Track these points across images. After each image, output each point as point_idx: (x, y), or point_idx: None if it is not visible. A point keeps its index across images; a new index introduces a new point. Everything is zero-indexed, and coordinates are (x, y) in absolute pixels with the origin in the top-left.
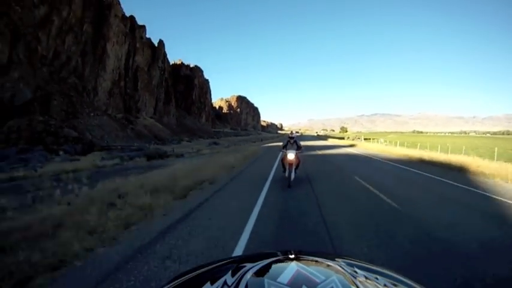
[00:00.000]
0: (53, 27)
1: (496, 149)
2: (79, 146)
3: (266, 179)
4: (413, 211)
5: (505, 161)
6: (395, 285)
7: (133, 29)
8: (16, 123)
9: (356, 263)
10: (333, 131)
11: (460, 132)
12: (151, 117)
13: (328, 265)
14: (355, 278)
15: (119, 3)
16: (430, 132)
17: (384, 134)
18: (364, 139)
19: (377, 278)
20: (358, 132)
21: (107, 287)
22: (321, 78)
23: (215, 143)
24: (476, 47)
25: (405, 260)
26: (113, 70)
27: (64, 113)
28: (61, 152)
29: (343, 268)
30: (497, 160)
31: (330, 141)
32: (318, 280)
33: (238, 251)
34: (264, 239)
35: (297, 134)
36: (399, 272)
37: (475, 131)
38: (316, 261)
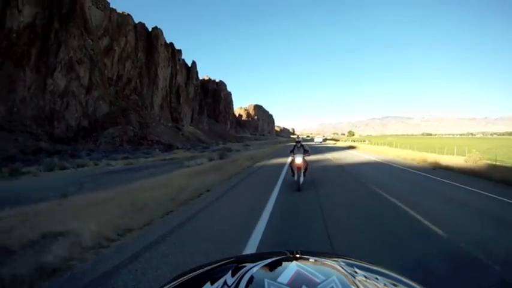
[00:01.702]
0: (115, 55)
1: (466, 148)
2: (162, 146)
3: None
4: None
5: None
6: (395, 285)
7: (173, 53)
8: (115, 130)
9: (356, 263)
10: (344, 134)
11: (468, 134)
12: (190, 125)
13: (328, 265)
14: (355, 278)
15: (162, 34)
16: (438, 135)
17: (390, 136)
18: (353, 141)
19: (377, 278)
20: (367, 135)
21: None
22: (332, 82)
23: (247, 145)
24: (487, 46)
25: None
26: (162, 88)
27: (139, 124)
28: (157, 150)
29: (343, 268)
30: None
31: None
32: (318, 280)
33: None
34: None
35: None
36: (399, 272)
37: (482, 133)
38: (316, 261)
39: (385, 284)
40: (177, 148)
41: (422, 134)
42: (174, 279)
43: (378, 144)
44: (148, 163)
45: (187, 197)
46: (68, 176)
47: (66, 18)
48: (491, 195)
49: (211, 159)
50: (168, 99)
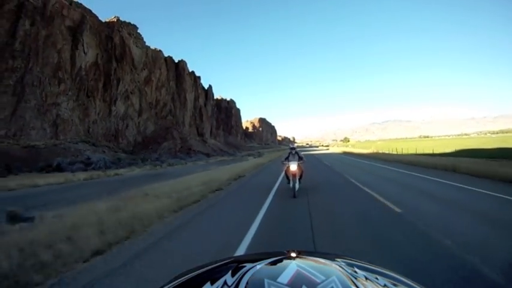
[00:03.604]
0: (153, 84)
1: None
2: (202, 154)
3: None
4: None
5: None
6: (395, 285)
7: (195, 80)
8: (168, 144)
9: (356, 263)
10: (342, 141)
11: (462, 134)
12: (210, 138)
13: (328, 265)
14: (355, 278)
15: (186, 64)
16: (436, 137)
17: (379, 141)
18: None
19: (377, 278)
20: (366, 140)
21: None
22: (331, 89)
23: (259, 153)
24: (482, 45)
25: None
26: (189, 110)
27: (180, 139)
28: (201, 155)
29: (343, 268)
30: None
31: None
32: (318, 280)
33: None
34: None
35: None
36: (399, 272)
37: (478, 132)
38: (316, 261)
39: (385, 284)
40: (213, 155)
41: (420, 137)
42: (174, 279)
43: (356, 147)
44: (210, 163)
45: (265, 161)
46: (177, 168)
47: (120, 58)
48: (366, 161)
49: (254, 157)
50: (194, 118)
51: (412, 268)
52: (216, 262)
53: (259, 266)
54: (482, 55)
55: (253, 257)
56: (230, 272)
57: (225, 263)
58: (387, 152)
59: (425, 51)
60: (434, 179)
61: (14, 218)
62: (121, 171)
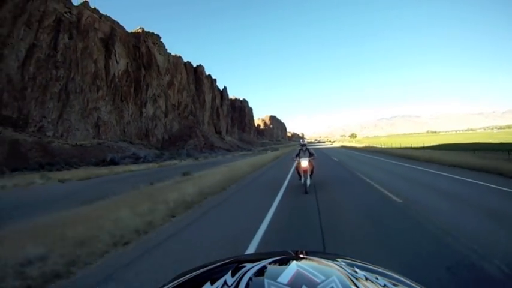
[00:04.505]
0: (175, 88)
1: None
2: (224, 150)
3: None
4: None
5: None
6: (395, 285)
7: (211, 82)
8: (194, 141)
9: (356, 263)
10: (350, 137)
11: (468, 129)
12: (227, 136)
13: (328, 265)
14: (355, 278)
15: (204, 68)
16: (443, 132)
17: (383, 137)
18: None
19: (377, 278)
20: (375, 136)
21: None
22: (340, 85)
23: (273, 148)
24: (493, 40)
25: None
26: (207, 110)
27: (202, 137)
28: (222, 151)
29: (343, 268)
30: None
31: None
32: (318, 280)
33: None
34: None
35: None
36: (399, 272)
37: (484, 127)
38: (316, 261)
39: (385, 284)
40: (232, 151)
41: (428, 132)
42: (174, 279)
43: (361, 142)
44: (236, 156)
45: (283, 152)
46: (206, 160)
47: (148, 66)
48: (360, 153)
49: (271, 151)
50: (212, 117)
51: (367, 203)
52: (216, 262)
53: (259, 266)
54: (491, 51)
55: (253, 257)
56: (230, 272)
57: (225, 263)
58: (377, 145)
59: (435, 47)
60: (390, 161)
61: (185, 174)
62: (173, 162)
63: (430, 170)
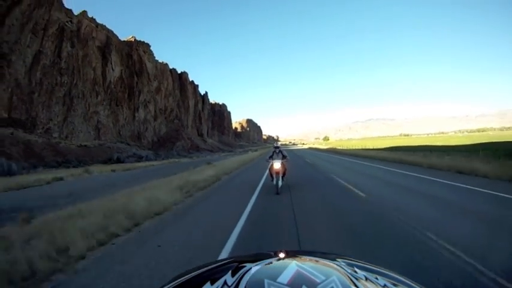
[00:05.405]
0: (162, 93)
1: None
2: (208, 151)
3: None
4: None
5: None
6: (395, 285)
7: (194, 88)
8: (181, 143)
9: (356, 263)
10: (323, 139)
11: (439, 133)
12: (208, 138)
13: (328, 265)
14: (355, 278)
15: (188, 75)
16: (415, 135)
17: (355, 140)
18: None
19: (377, 278)
20: (348, 139)
21: None
22: (315, 88)
23: (251, 149)
24: (467, 41)
25: None
26: (191, 114)
27: (188, 139)
28: (206, 152)
29: (343, 268)
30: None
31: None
32: (318, 280)
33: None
34: None
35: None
36: (399, 272)
37: (455, 131)
38: (316, 261)
39: (385, 284)
40: (215, 152)
41: (400, 135)
42: (174, 279)
43: (331, 145)
44: (222, 156)
45: (258, 155)
46: (198, 158)
47: (139, 73)
48: (316, 152)
49: (252, 151)
50: (195, 121)
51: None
52: (216, 262)
53: (259, 266)
54: (468, 53)
55: (253, 257)
56: (230, 272)
57: (225, 263)
58: (339, 147)
59: (412, 48)
60: (342, 158)
61: (208, 163)
62: (174, 160)
63: (353, 160)
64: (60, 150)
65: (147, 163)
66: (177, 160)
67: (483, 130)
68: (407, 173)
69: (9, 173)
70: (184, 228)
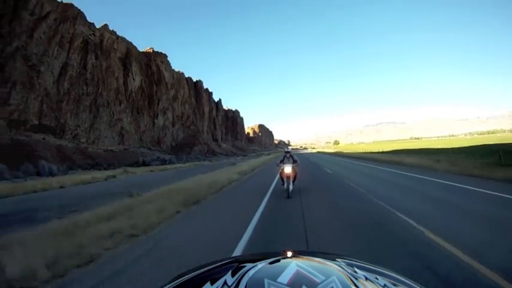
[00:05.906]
0: (179, 101)
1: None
2: (223, 155)
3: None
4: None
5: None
6: (395, 285)
7: (209, 95)
8: (198, 147)
9: (356, 263)
10: (333, 143)
11: (449, 135)
12: (222, 143)
13: (328, 265)
14: (355, 278)
15: (203, 83)
16: (426, 138)
17: (363, 144)
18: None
19: (377, 278)
20: (359, 142)
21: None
22: (326, 92)
23: (263, 153)
24: (480, 44)
25: None
26: (206, 120)
27: (204, 144)
28: (222, 156)
29: (343, 268)
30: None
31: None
32: (318, 280)
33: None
34: None
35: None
36: (399, 272)
37: (465, 133)
38: (316, 261)
39: (385, 284)
40: (230, 156)
41: (411, 138)
42: (174, 279)
43: (339, 149)
44: (238, 159)
45: (273, 157)
46: (217, 162)
47: (158, 82)
48: (324, 155)
49: (265, 155)
50: (209, 126)
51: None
52: (216, 262)
53: (259, 266)
54: (479, 57)
55: (253, 257)
56: (230, 272)
57: (225, 263)
58: (346, 151)
59: (423, 52)
60: (342, 159)
61: (232, 164)
62: (196, 163)
63: (356, 162)
64: (89, 154)
65: (173, 166)
66: (198, 163)
67: (493, 132)
68: (381, 168)
69: (51, 173)
70: (250, 184)
